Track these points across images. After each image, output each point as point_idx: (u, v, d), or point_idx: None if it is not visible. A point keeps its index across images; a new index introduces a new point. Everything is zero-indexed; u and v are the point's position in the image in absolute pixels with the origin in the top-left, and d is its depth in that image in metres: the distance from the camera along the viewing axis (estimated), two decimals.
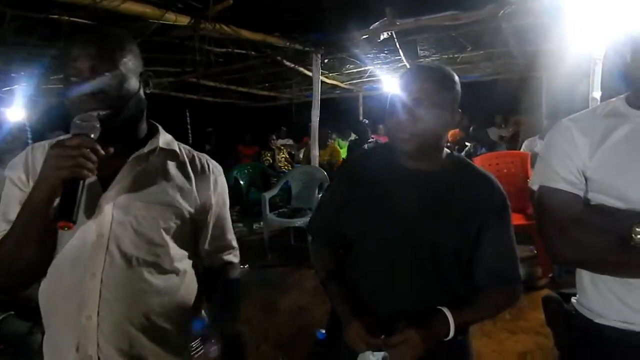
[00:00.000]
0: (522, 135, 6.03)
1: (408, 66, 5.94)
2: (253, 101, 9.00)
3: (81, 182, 0.85)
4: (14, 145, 4.98)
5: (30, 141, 4.85)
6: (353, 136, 8.00)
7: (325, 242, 1.30)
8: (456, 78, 1.12)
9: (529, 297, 3.33)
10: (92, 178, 0.93)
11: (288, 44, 4.32)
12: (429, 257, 1.10)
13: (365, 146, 5.73)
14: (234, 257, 1.21)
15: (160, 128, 1.09)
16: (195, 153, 1.13)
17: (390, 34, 4.55)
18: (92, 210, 0.95)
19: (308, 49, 4.59)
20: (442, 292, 1.12)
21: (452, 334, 1.05)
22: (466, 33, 4.80)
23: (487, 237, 1.11)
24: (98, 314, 0.94)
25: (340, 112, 9.06)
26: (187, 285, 1.08)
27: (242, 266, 4.20)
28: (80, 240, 0.95)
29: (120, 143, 0.98)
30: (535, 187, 1.15)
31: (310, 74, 5.38)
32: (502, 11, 3.51)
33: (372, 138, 6.72)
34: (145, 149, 1.01)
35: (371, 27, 4.34)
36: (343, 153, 6.59)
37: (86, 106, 0.90)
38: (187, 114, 10.14)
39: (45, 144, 1.01)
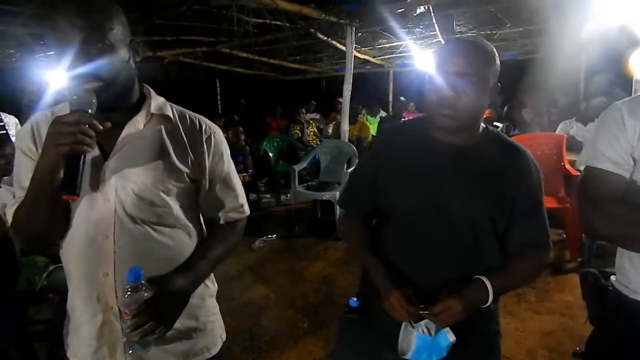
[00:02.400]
0: (550, 117, 5.84)
1: (443, 42, 5.80)
2: (283, 74, 8.98)
3: (82, 156, 0.89)
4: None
5: None
6: (382, 113, 7.96)
7: (358, 215, 1.32)
8: (496, 52, 1.11)
9: (556, 279, 3.34)
10: (94, 149, 0.98)
11: (323, 15, 4.28)
12: (465, 228, 1.12)
13: None
14: (236, 213, 1.21)
15: (151, 92, 1.10)
16: (188, 113, 1.14)
17: (426, 7, 4.44)
18: (97, 179, 1.00)
19: (343, 21, 4.53)
20: (479, 262, 1.14)
21: (490, 301, 1.09)
22: (506, 8, 4.64)
23: (521, 207, 1.12)
24: (114, 271, 1.02)
25: (369, 87, 8.96)
26: (192, 239, 1.14)
27: (270, 235, 4.31)
28: (89, 207, 1.01)
29: (115, 112, 1.01)
30: (581, 168, 1.16)
31: (342, 47, 5.33)
32: None
33: (404, 116, 6.70)
34: (139, 118, 1.04)
35: (408, 0, 4.25)
36: (372, 129, 6.57)
37: (79, 79, 0.92)
38: (218, 84, 10.21)
39: (48, 113, 1.04)
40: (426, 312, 1.06)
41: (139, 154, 1.03)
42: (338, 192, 4.41)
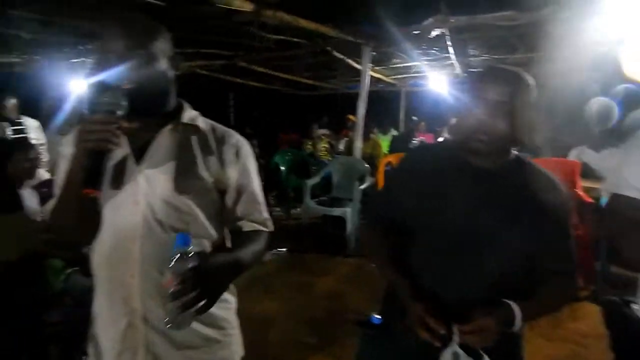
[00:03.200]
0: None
1: (456, 64, 5.87)
2: (296, 89, 9.10)
3: (106, 153, 0.93)
4: (74, 117, 5.23)
5: None
6: (393, 131, 8.02)
7: (383, 231, 1.32)
8: (533, 82, 1.13)
9: (569, 307, 3.29)
10: (126, 151, 1.05)
11: (340, 34, 4.36)
12: (492, 249, 1.13)
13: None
14: (260, 225, 1.22)
15: (185, 104, 1.16)
16: (219, 127, 1.18)
17: (442, 31, 4.52)
18: (127, 182, 1.05)
19: (360, 40, 4.62)
20: (505, 285, 1.14)
21: (517, 326, 1.08)
22: (521, 34, 4.70)
23: (550, 235, 1.13)
24: (139, 274, 1.05)
25: (381, 106, 9.03)
26: (217, 247, 1.16)
27: (279, 249, 4.29)
28: (117, 209, 1.05)
29: (147, 117, 1.06)
30: (607, 196, 1.17)
31: (357, 65, 5.41)
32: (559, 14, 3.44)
33: (416, 135, 6.76)
34: (171, 126, 1.09)
35: (424, 23, 4.33)
36: (384, 147, 6.61)
37: (112, 81, 0.97)
38: (231, 97, 10.38)
39: None
40: (453, 331, 1.04)
41: (168, 161, 1.07)
42: (349, 209, 4.42)
